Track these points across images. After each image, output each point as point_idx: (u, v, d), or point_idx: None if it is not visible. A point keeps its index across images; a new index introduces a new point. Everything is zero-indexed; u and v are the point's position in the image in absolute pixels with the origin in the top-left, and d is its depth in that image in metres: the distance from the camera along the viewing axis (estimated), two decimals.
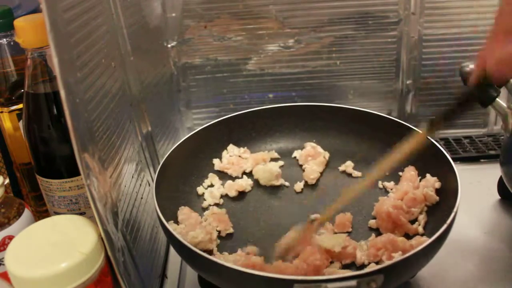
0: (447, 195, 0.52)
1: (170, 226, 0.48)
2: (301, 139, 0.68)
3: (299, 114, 0.68)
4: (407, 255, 0.42)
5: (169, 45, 0.74)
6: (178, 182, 0.59)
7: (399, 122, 0.62)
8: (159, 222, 0.49)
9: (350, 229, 0.54)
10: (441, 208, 0.53)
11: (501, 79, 0.38)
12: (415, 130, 0.58)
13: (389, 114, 0.75)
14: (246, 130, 0.68)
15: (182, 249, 0.46)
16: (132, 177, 0.51)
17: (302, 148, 0.68)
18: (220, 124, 0.66)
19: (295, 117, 0.68)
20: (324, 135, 0.68)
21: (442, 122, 0.45)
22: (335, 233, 0.54)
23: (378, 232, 0.54)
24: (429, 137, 0.51)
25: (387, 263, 0.42)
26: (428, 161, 0.57)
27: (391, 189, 0.60)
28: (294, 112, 0.68)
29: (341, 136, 0.67)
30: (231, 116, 0.66)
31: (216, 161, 0.65)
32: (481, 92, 0.42)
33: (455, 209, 0.47)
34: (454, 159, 0.53)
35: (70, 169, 0.51)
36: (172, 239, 0.47)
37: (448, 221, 0.45)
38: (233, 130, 0.67)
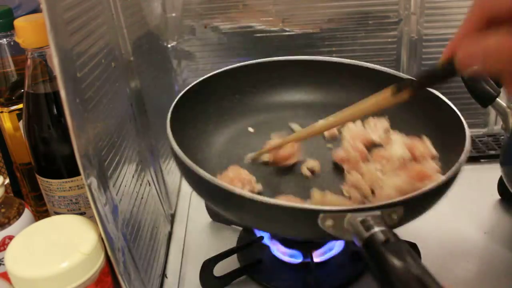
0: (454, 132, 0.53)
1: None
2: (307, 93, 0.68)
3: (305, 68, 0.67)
4: (427, 188, 0.42)
5: (169, 45, 0.74)
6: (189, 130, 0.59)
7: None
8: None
9: None
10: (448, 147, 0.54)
11: (466, 72, 0.37)
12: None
13: None
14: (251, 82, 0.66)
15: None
16: (132, 177, 0.51)
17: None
18: (225, 74, 0.64)
19: (301, 70, 0.67)
20: (329, 90, 0.67)
21: (405, 92, 0.44)
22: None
23: None
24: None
25: (407, 196, 0.42)
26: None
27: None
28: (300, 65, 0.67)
29: (345, 92, 0.65)
30: (236, 67, 0.65)
31: None
32: (444, 74, 0.41)
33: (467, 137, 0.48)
34: None
35: (70, 169, 0.51)
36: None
37: (462, 157, 0.46)
38: (240, 80, 0.65)
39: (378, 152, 0.59)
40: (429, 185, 0.43)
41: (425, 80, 0.43)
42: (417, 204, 0.44)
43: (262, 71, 0.66)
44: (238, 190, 0.43)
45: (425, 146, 0.58)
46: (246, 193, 0.43)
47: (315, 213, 0.40)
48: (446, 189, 0.46)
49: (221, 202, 0.47)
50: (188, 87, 0.59)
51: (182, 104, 0.58)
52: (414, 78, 0.43)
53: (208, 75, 0.62)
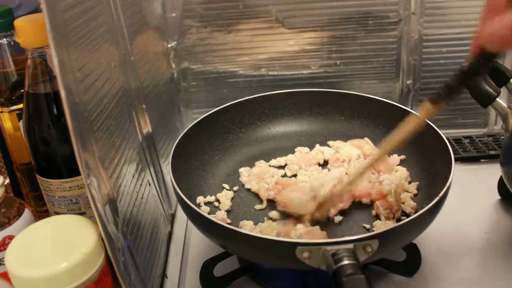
0: (441, 167, 0.54)
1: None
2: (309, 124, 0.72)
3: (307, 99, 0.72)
4: (401, 223, 0.45)
5: (169, 45, 0.74)
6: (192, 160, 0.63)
7: (403, 107, 0.65)
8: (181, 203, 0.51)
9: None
10: (435, 181, 0.55)
11: (496, 50, 0.39)
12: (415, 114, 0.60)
13: None
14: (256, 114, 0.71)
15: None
16: (133, 177, 0.51)
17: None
18: (231, 107, 0.68)
19: (303, 102, 0.71)
20: (331, 119, 0.71)
21: (442, 101, 0.45)
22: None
23: None
24: (427, 120, 0.50)
25: (382, 229, 0.44)
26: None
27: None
28: (303, 97, 0.71)
29: (346, 121, 0.70)
30: (242, 100, 0.69)
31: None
32: (479, 66, 0.42)
33: (449, 179, 0.49)
34: (454, 159, 0.53)
35: (70, 169, 0.51)
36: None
37: (441, 194, 0.47)
38: (244, 114, 0.70)
39: (334, 158, 0.64)
40: (405, 220, 0.46)
41: (458, 81, 0.43)
42: (392, 238, 0.45)
43: (266, 104, 0.71)
44: (225, 224, 0.47)
45: (369, 144, 0.65)
46: (231, 227, 0.46)
47: (292, 245, 0.42)
48: (423, 224, 0.48)
49: (207, 232, 0.52)
50: (194, 122, 0.63)
51: (189, 136, 0.62)
52: (446, 85, 0.44)
53: (213, 110, 0.66)
